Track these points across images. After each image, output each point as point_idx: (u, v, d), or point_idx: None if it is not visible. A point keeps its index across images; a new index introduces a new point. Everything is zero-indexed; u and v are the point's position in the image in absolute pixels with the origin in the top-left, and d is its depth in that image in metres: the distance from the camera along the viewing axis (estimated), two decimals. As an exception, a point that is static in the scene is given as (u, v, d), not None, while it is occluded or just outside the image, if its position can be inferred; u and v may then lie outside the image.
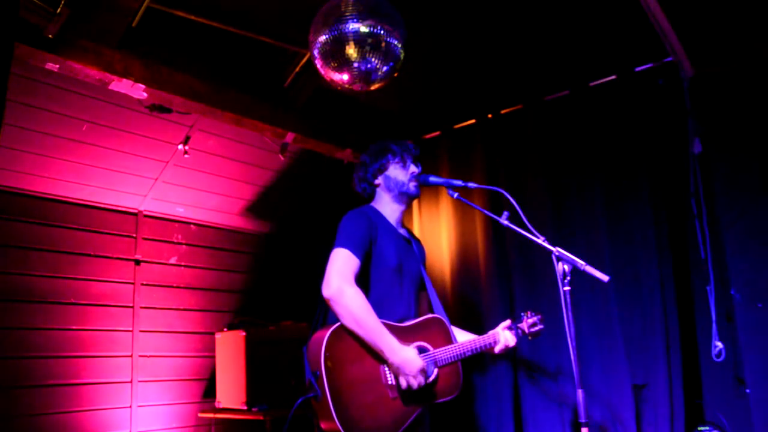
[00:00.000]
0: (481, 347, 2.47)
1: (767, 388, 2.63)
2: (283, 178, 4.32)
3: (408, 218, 4.05)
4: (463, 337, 2.57)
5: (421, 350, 2.34)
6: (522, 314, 2.66)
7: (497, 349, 2.52)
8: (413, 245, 2.64)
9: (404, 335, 2.31)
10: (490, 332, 2.53)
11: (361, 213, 2.46)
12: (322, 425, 2.16)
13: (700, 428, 2.81)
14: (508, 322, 2.59)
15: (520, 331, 2.60)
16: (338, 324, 2.22)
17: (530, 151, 3.60)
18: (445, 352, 2.37)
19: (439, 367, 2.34)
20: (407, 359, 2.22)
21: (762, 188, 2.75)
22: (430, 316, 2.48)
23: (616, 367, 3.09)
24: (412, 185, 2.55)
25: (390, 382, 2.24)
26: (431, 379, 2.31)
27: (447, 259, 3.85)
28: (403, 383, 2.23)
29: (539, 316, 2.65)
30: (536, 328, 2.64)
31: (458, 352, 2.40)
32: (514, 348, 3.45)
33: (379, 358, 2.24)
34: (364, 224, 2.39)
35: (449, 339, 2.45)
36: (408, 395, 2.25)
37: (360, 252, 2.32)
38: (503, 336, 2.53)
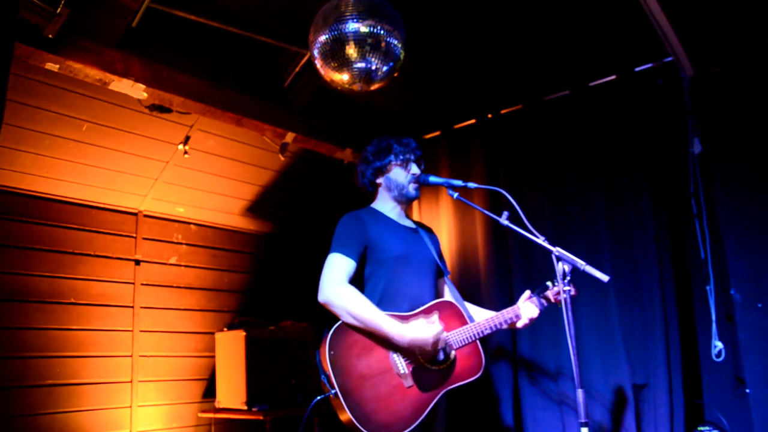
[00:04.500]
0: (500, 324, 2.41)
1: (767, 388, 2.63)
2: (283, 178, 4.32)
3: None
4: (481, 315, 2.51)
5: None
6: (546, 283, 2.53)
7: (520, 324, 2.45)
8: (422, 234, 2.62)
9: (411, 322, 2.30)
10: (510, 308, 2.47)
11: (352, 216, 2.47)
12: (342, 419, 2.16)
13: (700, 428, 2.81)
14: (528, 294, 2.51)
15: (544, 301, 2.50)
16: (338, 323, 2.23)
17: (530, 151, 3.60)
18: (460, 334, 2.34)
19: (457, 349, 2.33)
20: (416, 335, 2.20)
21: (762, 188, 2.75)
22: (438, 300, 2.46)
23: (616, 367, 3.09)
24: (411, 187, 2.54)
25: (403, 371, 2.22)
26: (449, 361, 2.28)
27: (447, 259, 3.85)
28: (421, 358, 2.20)
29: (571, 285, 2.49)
30: (565, 296, 2.42)
31: (474, 332, 2.36)
32: (515, 347, 3.48)
33: (387, 348, 2.23)
34: (354, 226, 2.41)
35: (463, 320, 2.42)
36: (424, 382, 2.23)
37: (353, 253, 2.33)
38: (525, 309, 2.45)
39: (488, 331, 2.39)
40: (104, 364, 3.63)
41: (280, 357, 3.75)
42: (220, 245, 4.34)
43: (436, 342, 2.22)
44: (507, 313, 2.44)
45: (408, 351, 2.23)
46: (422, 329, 2.22)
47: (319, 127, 3.86)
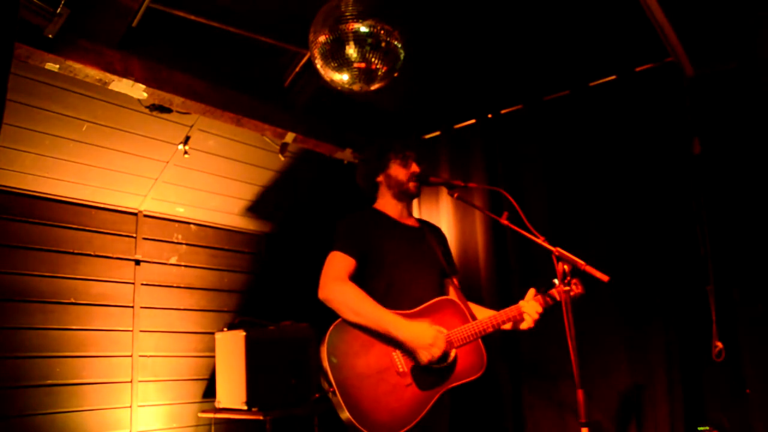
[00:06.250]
0: (503, 322, 2.37)
1: (767, 388, 2.63)
2: (283, 178, 4.32)
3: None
4: (483, 314, 2.46)
5: None
6: (553, 280, 2.37)
7: (524, 326, 2.39)
8: (426, 232, 2.60)
9: (414, 320, 2.29)
10: (513, 306, 2.40)
11: (353, 216, 2.49)
12: (341, 417, 2.16)
13: (700, 428, 2.81)
14: (533, 291, 2.45)
15: (549, 300, 2.41)
16: (338, 321, 2.23)
17: (530, 152, 3.60)
18: (461, 332, 2.32)
19: (457, 347, 2.30)
20: (416, 331, 2.20)
21: (761, 188, 2.76)
22: (439, 298, 2.43)
23: (617, 367, 3.09)
24: (411, 185, 2.55)
25: (402, 370, 2.22)
26: (449, 360, 2.27)
27: (447, 259, 3.85)
28: (422, 358, 2.18)
29: (576, 279, 2.35)
30: (573, 293, 2.30)
31: (476, 330, 2.33)
32: (515, 347, 3.47)
33: (387, 346, 2.23)
34: (355, 225, 2.43)
35: (465, 318, 2.39)
36: (424, 380, 2.22)
37: (353, 251, 2.34)
38: (528, 307, 2.38)
39: (491, 329, 2.36)
40: (104, 364, 3.62)
41: (280, 357, 3.75)
42: (220, 245, 4.34)
43: (437, 341, 2.21)
44: (510, 311, 2.40)
45: (407, 349, 2.23)
46: (423, 327, 2.22)
47: (319, 127, 3.86)
